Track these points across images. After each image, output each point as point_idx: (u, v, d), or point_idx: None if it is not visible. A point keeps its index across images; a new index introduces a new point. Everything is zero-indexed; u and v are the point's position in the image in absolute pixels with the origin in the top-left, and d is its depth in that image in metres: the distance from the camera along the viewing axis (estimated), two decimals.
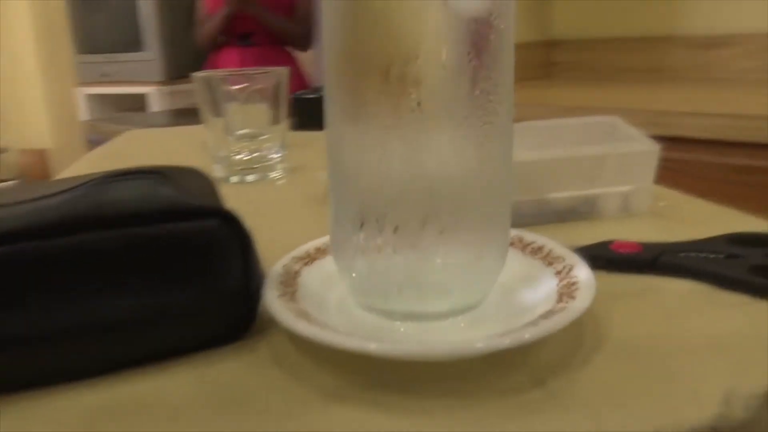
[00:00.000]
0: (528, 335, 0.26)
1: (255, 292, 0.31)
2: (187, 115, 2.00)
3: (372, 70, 0.26)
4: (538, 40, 1.71)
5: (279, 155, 0.68)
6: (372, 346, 0.26)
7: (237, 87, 0.69)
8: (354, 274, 0.31)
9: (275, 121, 0.70)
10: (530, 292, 0.32)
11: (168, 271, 0.28)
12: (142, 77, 2.54)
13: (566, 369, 0.28)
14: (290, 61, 1.79)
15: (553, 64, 1.75)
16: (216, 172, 0.67)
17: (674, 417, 0.24)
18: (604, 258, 0.38)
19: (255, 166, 0.68)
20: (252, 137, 0.70)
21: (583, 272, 0.31)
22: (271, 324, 0.32)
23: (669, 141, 0.47)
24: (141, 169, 0.32)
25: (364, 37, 0.27)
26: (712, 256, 0.37)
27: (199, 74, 0.67)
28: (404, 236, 0.28)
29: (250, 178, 0.68)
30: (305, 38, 1.78)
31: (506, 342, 0.25)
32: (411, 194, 0.28)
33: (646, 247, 0.38)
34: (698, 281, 0.36)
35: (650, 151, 0.47)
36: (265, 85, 0.70)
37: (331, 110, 0.29)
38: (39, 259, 0.25)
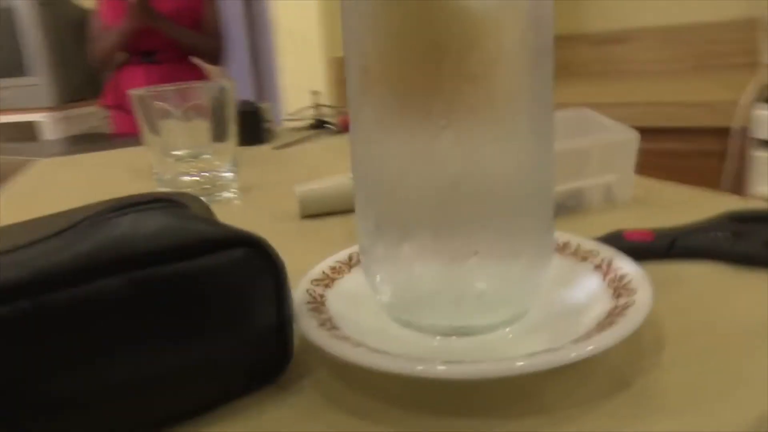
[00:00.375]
0: (614, 336, 0.24)
1: (290, 326, 0.27)
2: (87, 141, 1.86)
3: (421, 65, 0.24)
4: None
5: (231, 174, 0.64)
6: (457, 370, 0.23)
7: (173, 104, 0.64)
8: (397, 289, 0.29)
9: (219, 137, 0.66)
10: (575, 291, 0.31)
11: (205, 310, 0.24)
12: (30, 103, 2.34)
13: (640, 367, 0.26)
14: (202, 78, 1.70)
15: None
16: None
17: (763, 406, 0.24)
18: (620, 248, 0.37)
19: (206, 186, 0.63)
20: (194, 156, 0.65)
21: (627, 264, 0.30)
22: (306, 358, 0.29)
23: None
24: (141, 198, 0.27)
25: (409, 29, 0.24)
26: (720, 234, 0.38)
27: (134, 92, 0.62)
28: (458, 241, 0.26)
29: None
30: (217, 52, 1.70)
31: (607, 342, 0.24)
32: (467, 197, 0.26)
33: (658, 233, 0.38)
34: (715, 262, 0.36)
35: (631, 139, 0.47)
36: (203, 100, 0.65)
37: (366, 114, 0.26)
38: (59, 312, 0.21)
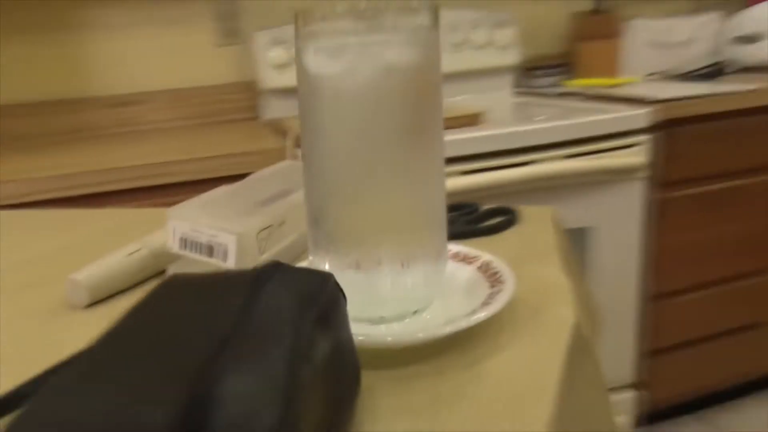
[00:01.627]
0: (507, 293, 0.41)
1: None
2: None
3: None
4: None
5: None
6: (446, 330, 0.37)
7: None
8: (362, 293, 0.39)
9: None
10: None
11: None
12: None
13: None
14: None
15: None
16: None
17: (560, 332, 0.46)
18: None
19: None
20: None
21: (457, 246, 0.48)
22: None
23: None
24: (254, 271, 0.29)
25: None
26: None
27: None
28: (408, 250, 0.39)
29: None
30: None
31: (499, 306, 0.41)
32: (412, 218, 0.39)
33: None
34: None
35: None
36: None
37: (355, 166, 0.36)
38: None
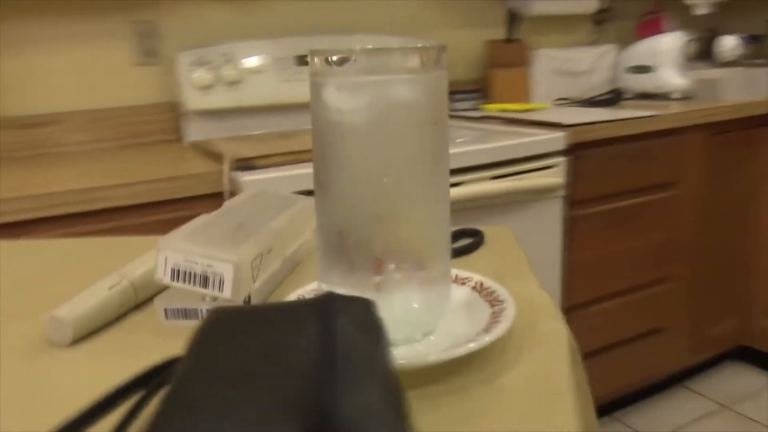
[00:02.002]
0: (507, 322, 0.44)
1: None
2: None
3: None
4: None
5: None
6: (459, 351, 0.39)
7: None
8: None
9: None
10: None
11: None
12: None
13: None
14: None
15: None
16: None
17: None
18: None
19: None
20: None
21: (462, 272, 0.51)
22: None
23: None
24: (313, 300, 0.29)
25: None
26: None
27: None
28: (414, 279, 0.41)
29: None
30: None
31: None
32: (412, 246, 0.41)
33: None
34: None
35: (309, 205, 0.65)
36: None
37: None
38: None
